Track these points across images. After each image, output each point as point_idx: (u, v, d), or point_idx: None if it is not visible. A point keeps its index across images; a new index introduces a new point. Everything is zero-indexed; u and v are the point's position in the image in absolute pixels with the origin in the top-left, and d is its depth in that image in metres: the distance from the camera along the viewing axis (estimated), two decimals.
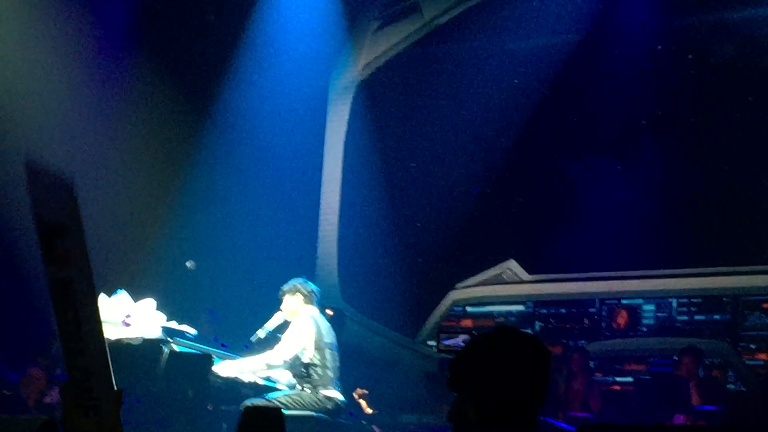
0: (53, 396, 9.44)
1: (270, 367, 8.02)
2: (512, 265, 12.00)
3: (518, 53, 12.09)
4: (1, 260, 10.66)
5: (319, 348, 7.98)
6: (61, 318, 1.89)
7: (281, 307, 8.20)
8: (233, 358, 8.29)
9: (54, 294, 1.87)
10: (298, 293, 8.14)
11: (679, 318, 11.18)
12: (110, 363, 1.94)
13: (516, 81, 11.96)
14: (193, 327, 8.23)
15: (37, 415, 8.40)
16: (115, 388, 1.98)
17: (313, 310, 8.20)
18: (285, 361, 7.92)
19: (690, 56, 11.32)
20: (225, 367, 7.97)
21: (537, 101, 11.83)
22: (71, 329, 1.89)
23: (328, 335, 8.15)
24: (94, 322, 1.91)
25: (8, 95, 10.94)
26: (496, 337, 2.72)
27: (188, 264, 8.75)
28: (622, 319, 11.43)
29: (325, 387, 7.94)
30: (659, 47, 11.49)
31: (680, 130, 11.30)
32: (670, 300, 11.23)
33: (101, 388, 1.96)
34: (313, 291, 8.24)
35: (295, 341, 7.93)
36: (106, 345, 1.94)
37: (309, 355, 7.93)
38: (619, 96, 11.34)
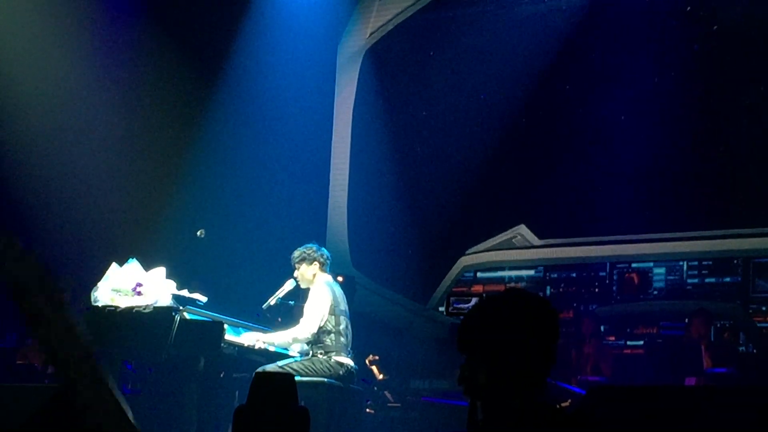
0: None
1: (297, 341, 8.00)
2: (523, 230, 11.98)
3: (529, 17, 12.01)
4: None
5: (333, 314, 7.96)
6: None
7: (295, 274, 8.16)
8: (245, 325, 8.28)
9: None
10: (315, 262, 8.11)
11: (690, 281, 11.15)
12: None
13: (526, 46, 11.89)
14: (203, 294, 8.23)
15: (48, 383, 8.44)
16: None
17: (328, 277, 8.18)
18: (312, 334, 7.88)
19: (715, 27, 11.20)
20: (249, 339, 7.93)
21: (547, 66, 11.77)
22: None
23: (343, 302, 8.13)
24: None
25: (12, 64, 10.92)
26: (504, 299, 2.73)
27: (199, 232, 8.73)
28: (632, 282, 11.41)
29: (337, 353, 7.91)
30: (688, 8, 11.35)
31: (692, 93, 11.21)
32: (680, 263, 11.19)
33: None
34: (328, 258, 8.22)
35: (319, 312, 7.91)
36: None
37: (323, 322, 7.94)
38: (630, 60, 11.29)
